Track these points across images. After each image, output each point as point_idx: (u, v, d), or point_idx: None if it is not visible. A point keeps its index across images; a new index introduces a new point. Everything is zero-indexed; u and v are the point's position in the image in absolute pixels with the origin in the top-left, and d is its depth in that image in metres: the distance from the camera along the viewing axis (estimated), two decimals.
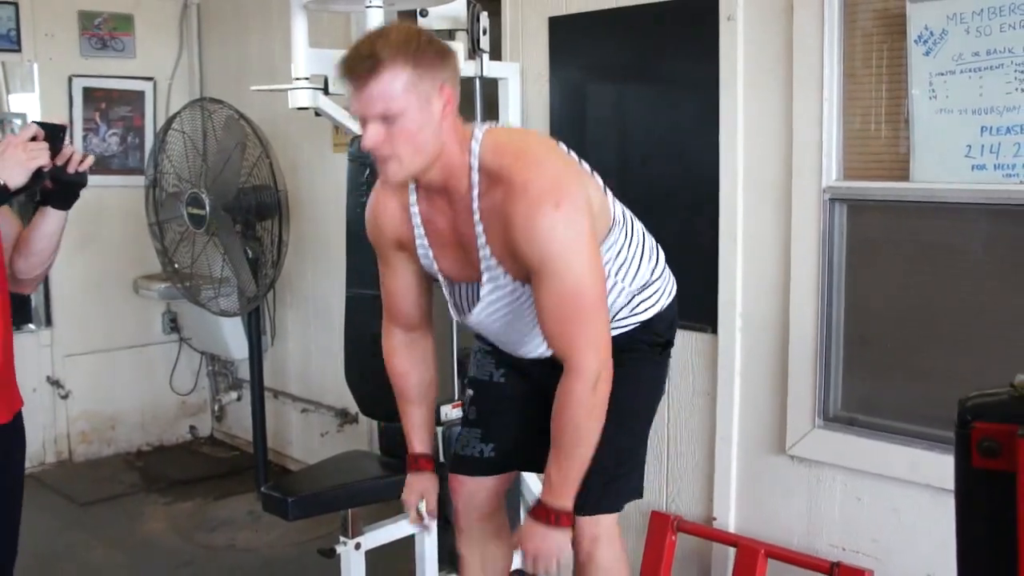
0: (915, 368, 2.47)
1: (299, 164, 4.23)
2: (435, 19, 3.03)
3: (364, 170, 2.82)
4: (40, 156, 1.98)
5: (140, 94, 4.76)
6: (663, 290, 2.16)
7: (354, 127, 3.06)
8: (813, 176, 2.54)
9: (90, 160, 2.11)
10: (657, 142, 2.94)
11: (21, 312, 4.30)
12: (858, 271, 2.55)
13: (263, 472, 4.01)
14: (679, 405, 2.92)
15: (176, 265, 4.09)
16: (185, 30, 4.89)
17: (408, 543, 2.97)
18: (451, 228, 1.95)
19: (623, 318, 2.08)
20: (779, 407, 2.69)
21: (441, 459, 2.27)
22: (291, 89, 2.89)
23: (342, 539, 2.70)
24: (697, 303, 2.77)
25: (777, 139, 2.62)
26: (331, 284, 4.06)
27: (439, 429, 2.27)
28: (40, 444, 4.60)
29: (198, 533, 3.89)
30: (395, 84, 1.72)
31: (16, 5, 4.39)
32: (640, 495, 2.21)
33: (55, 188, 2.09)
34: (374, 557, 2.78)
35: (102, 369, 4.77)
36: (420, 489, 2.22)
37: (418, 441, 2.22)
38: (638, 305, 2.10)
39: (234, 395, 4.93)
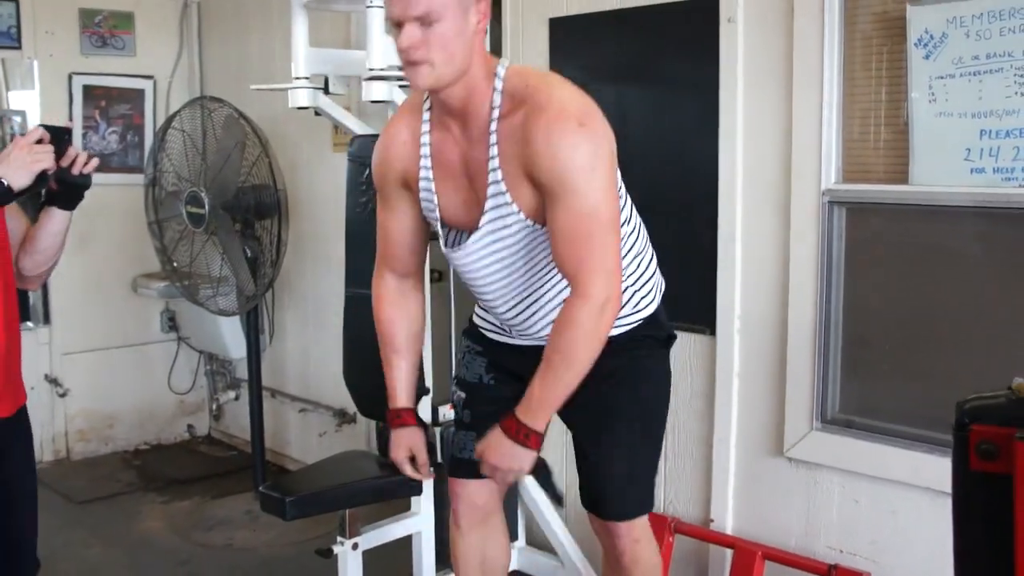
0: (913, 370, 2.48)
1: (298, 163, 4.23)
2: None
3: (363, 170, 2.82)
4: (44, 159, 2.04)
5: (140, 92, 4.76)
6: (658, 285, 2.17)
7: (354, 126, 3.06)
8: (812, 178, 2.54)
9: (95, 162, 2.15)
10: (656, 143, 2.94)
11: (19, 309, 4.29)
12: (857, 273, 2.55)
13: (261, 471, 4.01)
14: (677, 406, 2.91)
15: (175, 264, 4.09)
16: (185, 29, 4.89)
17: (406, 543, 2.97)
18: (461, 158, 1.94)
19: (626, 315, 2.07)
20: (777, 409, 2.69)
21: (439, 459, 2.26)
22: (291, 88, 2.89)
23: (339, 539, 2.70)
24: (696, 304, 2.78)
25: (776, 141, 2.62)
26: (330, 284, 4.06)
27: (437, 430, 2.26)
28: (38, 442, 4.54)
29: (195, 532, 3.88)
30: None
31: (17, 2, 4.39)
32: None
33: (60, 189, 2.14)
34: (371, 557, 2.78)
35: (100, 367, 4.77)
36: (407, 444, 2.16)
37: (401, 395, 2.16)
38: (639, 301, 2.10)
39: (232, 394, 4.92)
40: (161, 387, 4.95)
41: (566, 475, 2.57)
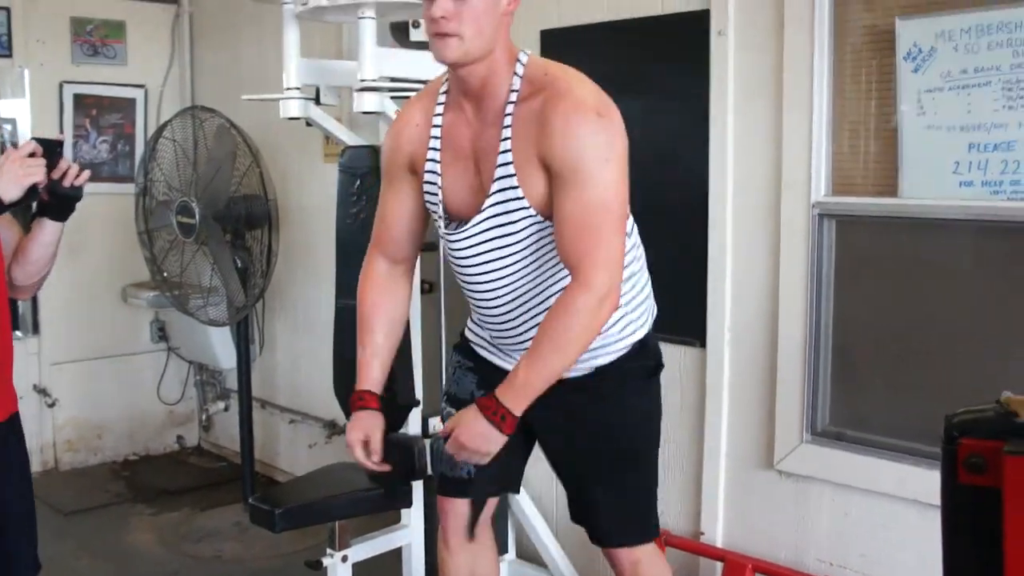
0: (903, 383, 2.48)
1: (289, 174, 4.23)
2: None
3: (354, 181, 2.82)
4: (36, 173, 2.07)
5: (131, 101, 4.76)
6: (650, 310, 2.15)
7: (345, 137, 3.06)
8: (802, 191, 2.55)
9: (86, 175, 2.18)
10: (646, 156, 2.91)
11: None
12: (846, 286, 2.55)
13: (250, 483, 3.99)
14: (667, 419, 2.87)
15: (165, 274, 4.07)
16: (177, 38, 4.89)
17: (395, 556, 2.96)
18: (471, 140, 1.94)
19: (613, 340, 2.04)
20: (767, 422, 2.69)
21: (429, 471, 2.25)
22: (282, 99, 2.89)
23: (329, 551, 2.69)
24: (685, 317, 2.78)
25: (766, 154, 2.63)
26: (320, 294, 4.05)
27: (427, 442, 2.24)
28: None
29: (184, 544, 3.86)
30: None
31: (8, 10, 4.39)
32: None
33: (51, 200, 2.16)
34: (361, 570, 2.77)
35: (89, 377, 4.74)
36: (364, 427, 2.07)
37: (368, 378, 2.10)
38: (628, 326, 2.07)
39: (222, 405, 4.90)
40: (150, 397, 4.92)
41: (556, 491, 2.56)
